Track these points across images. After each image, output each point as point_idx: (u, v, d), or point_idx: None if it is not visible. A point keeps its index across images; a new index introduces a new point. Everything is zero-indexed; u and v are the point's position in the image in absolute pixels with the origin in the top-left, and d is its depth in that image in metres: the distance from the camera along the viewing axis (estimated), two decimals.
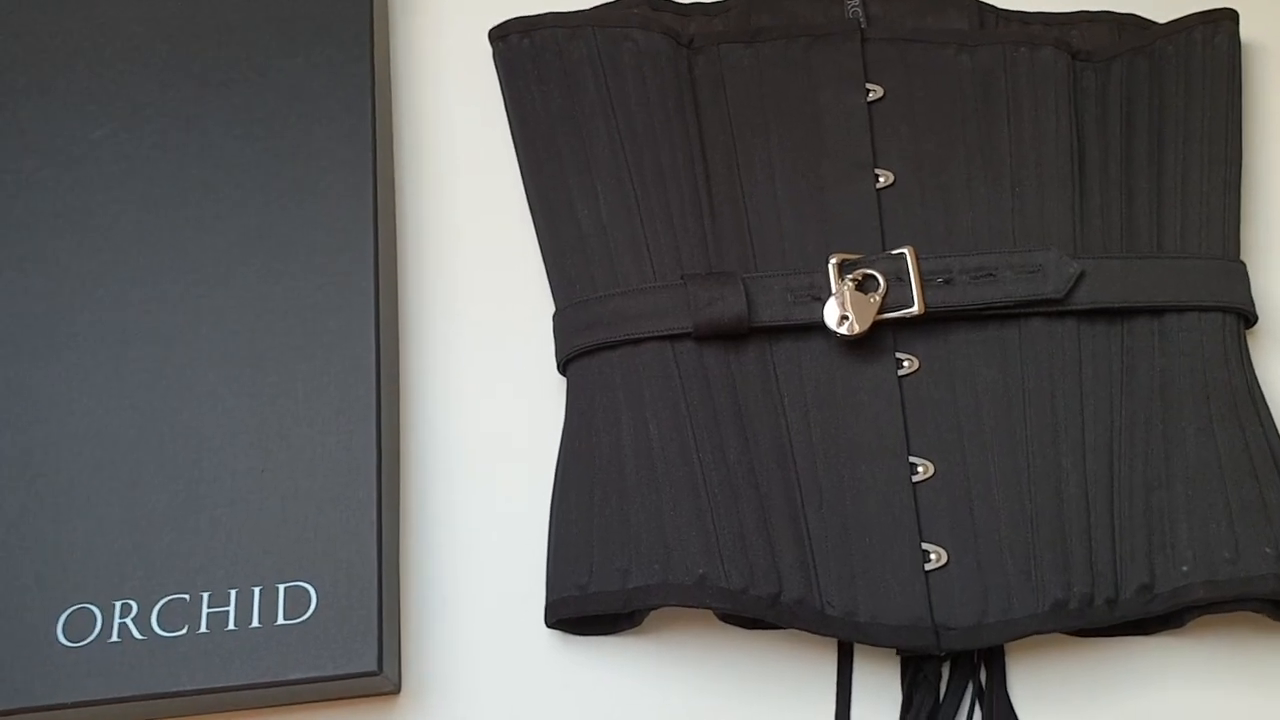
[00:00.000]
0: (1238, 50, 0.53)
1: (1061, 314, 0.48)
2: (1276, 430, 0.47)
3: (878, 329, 0.48)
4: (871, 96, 0.52)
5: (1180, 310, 0.48)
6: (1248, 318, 0.49)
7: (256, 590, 0.43)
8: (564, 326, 0.49)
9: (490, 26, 0.55)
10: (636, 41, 0.52)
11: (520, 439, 0.49)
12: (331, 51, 0.52)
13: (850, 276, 0.48)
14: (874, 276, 0.48)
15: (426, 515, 0.48)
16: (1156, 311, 0.48)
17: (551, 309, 0.51)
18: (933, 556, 0.45)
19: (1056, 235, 0.49)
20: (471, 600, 0.47)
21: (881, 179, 0.51)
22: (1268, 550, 0.43)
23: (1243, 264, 0.49)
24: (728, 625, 0.46)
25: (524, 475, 0.49)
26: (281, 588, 0.43)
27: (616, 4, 0.55)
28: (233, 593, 0.43)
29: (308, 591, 0.43)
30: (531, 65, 0.53)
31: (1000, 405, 0.47)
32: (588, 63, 0.52)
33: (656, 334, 0.47)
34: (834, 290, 0.48)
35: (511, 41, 0.53)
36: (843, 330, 0.47)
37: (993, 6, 0.55)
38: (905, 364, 0.48)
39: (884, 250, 0.49)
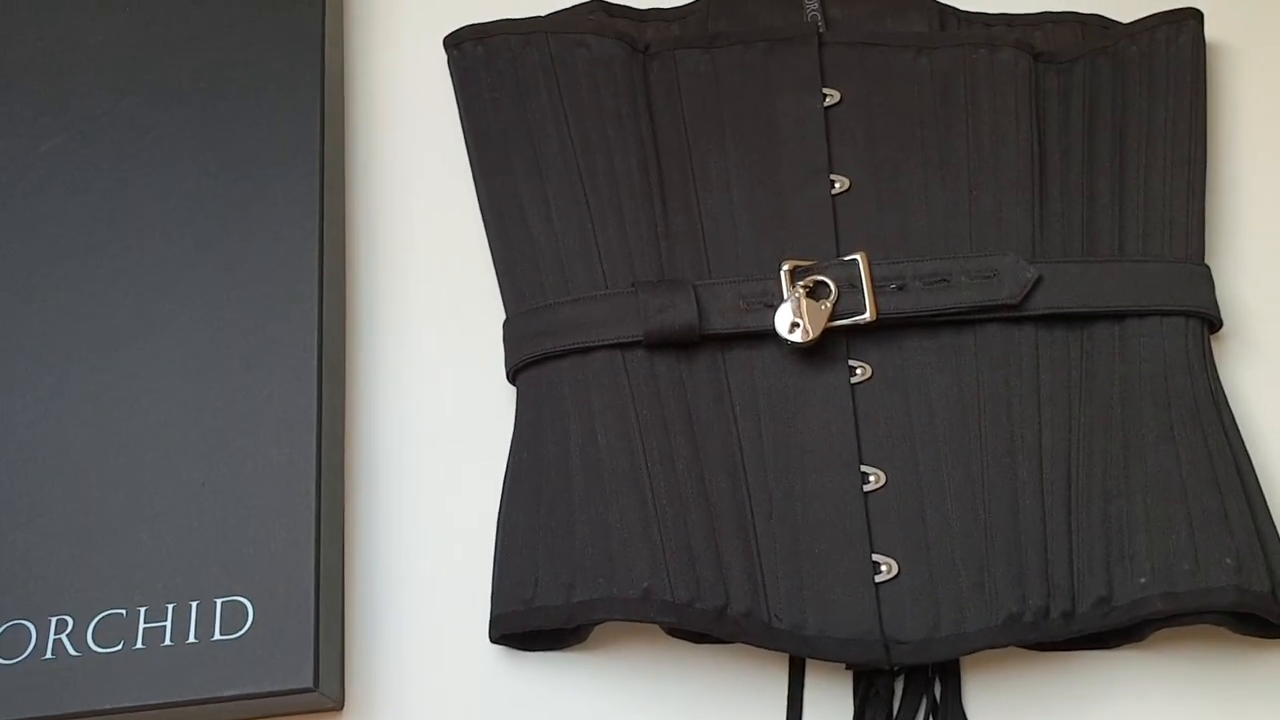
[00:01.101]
0: (1202, 50, 0.52)
1: (1019, 319, 0.47)
2: (1240, 437, 0.46)
3: (830, 336, 0.47)
4: (828, 101, 0.52)
5: (1141, 315, 0.47)
6: (1212, 322, 0.48)
7: (194, 605, 0.42)
8: (513, 335, 0.48)
9: (445, 34, 0.54)
10: (590, 48, 0.52)
11: (469, 449, 0.48)
12: (284, 62, 0.52)
13: (802, 283, 0.47)
14: (825, 283, 0.47)
15: (372, 528, 0.47)
16: (1117, 316, 0.47)
17: (503, 317, 0.50)
18: (883, 568, 0.44)
19: (1015, 239, 0.48)
20: (417, 615, 0.46)
21: (837, 184, 0.50)
22: (1228, 561, 0.42)
23: (1206, 267, 0.48)
24: (675, 639, 0.45)
25: (472, 487, 0.48)
26: (219, 602, 0.42)
27: (572, 11, 0.55)
28: (170, 607, 0.42)
29: (245, 606, 0.42)
30: (485, 72, 0.52)
31: (954, 413, 0.46)
32: (541, 69, 0.51)
33: (606, 342, 0.46)
34: (786, 297, 0.47)
35: (466, 49, 0.53)
36: (794, 338, 0.46)
37: (954, 8, 0.55)
38: (858, 371, 0.47)
39: (839, 256, 0.48)
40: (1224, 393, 0.47)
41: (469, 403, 0.49)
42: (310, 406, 0.45)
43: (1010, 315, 0.47)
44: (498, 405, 0.49)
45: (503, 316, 0.50)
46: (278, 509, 0.43)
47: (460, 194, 0.53)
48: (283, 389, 0.45)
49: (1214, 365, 0.47)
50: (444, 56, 0.55)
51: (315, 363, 0.46)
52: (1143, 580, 0.42)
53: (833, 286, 0.47)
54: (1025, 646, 0.44)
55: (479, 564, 0.46)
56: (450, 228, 0.53)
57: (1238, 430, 0.46)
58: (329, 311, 0.48)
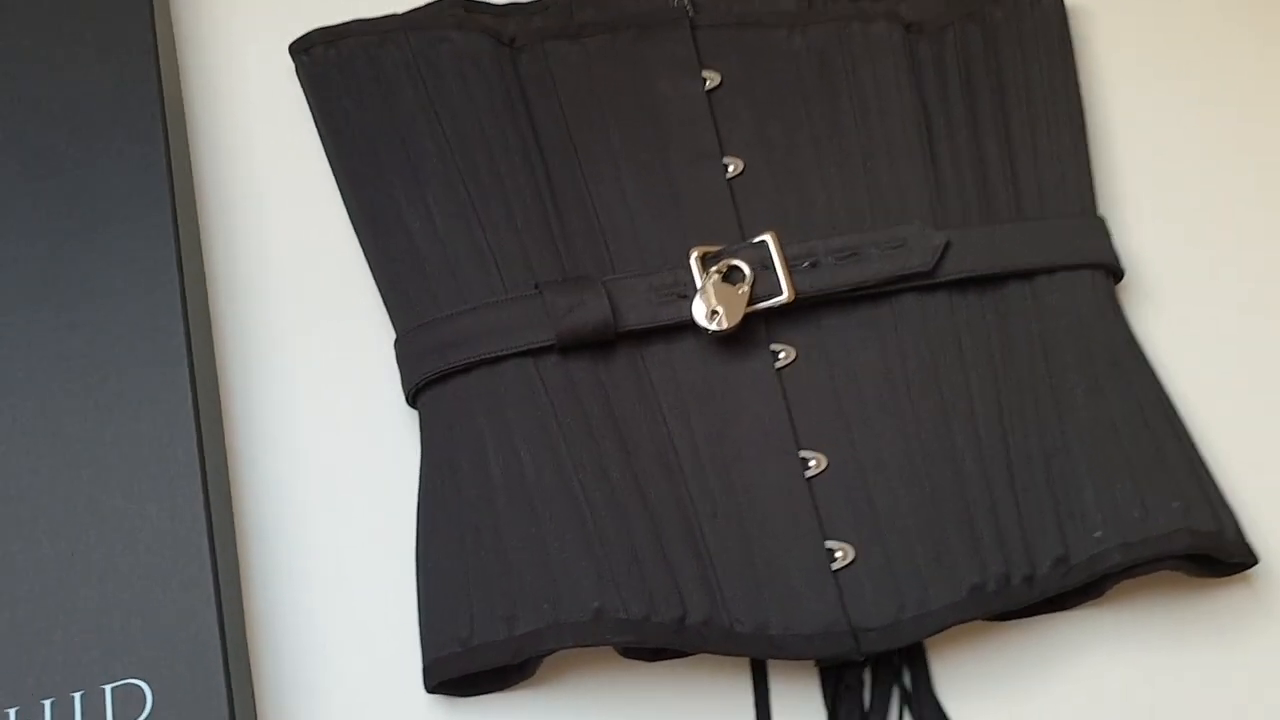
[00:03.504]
0: (1063, 9, 0.52)
1: (932, 287, 0.46)
2: (1160, 382, 0.46)
3: (749, 322, 0.45)
4: (709, 84, 0.50)
5: (1050, 271, 0.47)
6: (1115, 272, 0.48)
7: (77, 696, 0.36)
8: (408, 353, 0.44)
9: (289, 42, 0.50)
10: (454, 42, 0.48)
11: (372, 486, 0.44)
12: (119, 105, 0.45)
13: (715, 269, 0.45)
14: (739, 267, 0.45)
15: (274, 584, 0.42)
16: (1026, 275, 0.47)
17: (392, 336, 0.46)
18: (838, 554, 0.42)
19: (915, 208, 0.47)
20: (339, 674, 0.41)
21: (731, 167, 0.48)
22: (1175, 505, 0.42)
23: (1103, 219, 0.49)
24: (630, 660, 0.41)
25: (381, 526, 0.43)
26: (108, 689, 0.36)
27: (427, 8, 0.51)
28: (47, 704, 0.36)
29: (140, 689, 0.37)
30: (340, 76, 0.48)
31: (883, 387, 0.45)
32: (403, 68, 0.48)
33: (515, 350, 0.43)
34: (699, 285, 0.44)
35: (316, 54, 0.49)
36: (714, 326, 0.44)
37: None
38: (781, 355, 0.45)
39: (744, 239, 0.46)
40: (1138, 340, 0.47)
41: (366, 434, 0.45)
42: (190, 455, 0.40)
43: (924, 283, 0.46)
44: (399, 433, 0.45)
45: (392, 336, 0.46)
46: (167, 573, 0.38)
47: (326, 210, 0.49)
48: (157, 436, 0.40)
49: (1123, 315, 0.47)
50: (290, 65, 0.50)
51: (190, 403, 0.40)
52: (1097, 535, 0.42)
53: (747, 270, 0.45)
54: (990, 618, 0.43)
55: (401, 610, 0.42)
56: (319, 248, 0.48)
57: (1157, 375, 0.46)
58: (198, 351, 0.43)
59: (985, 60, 0.51)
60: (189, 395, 0.40)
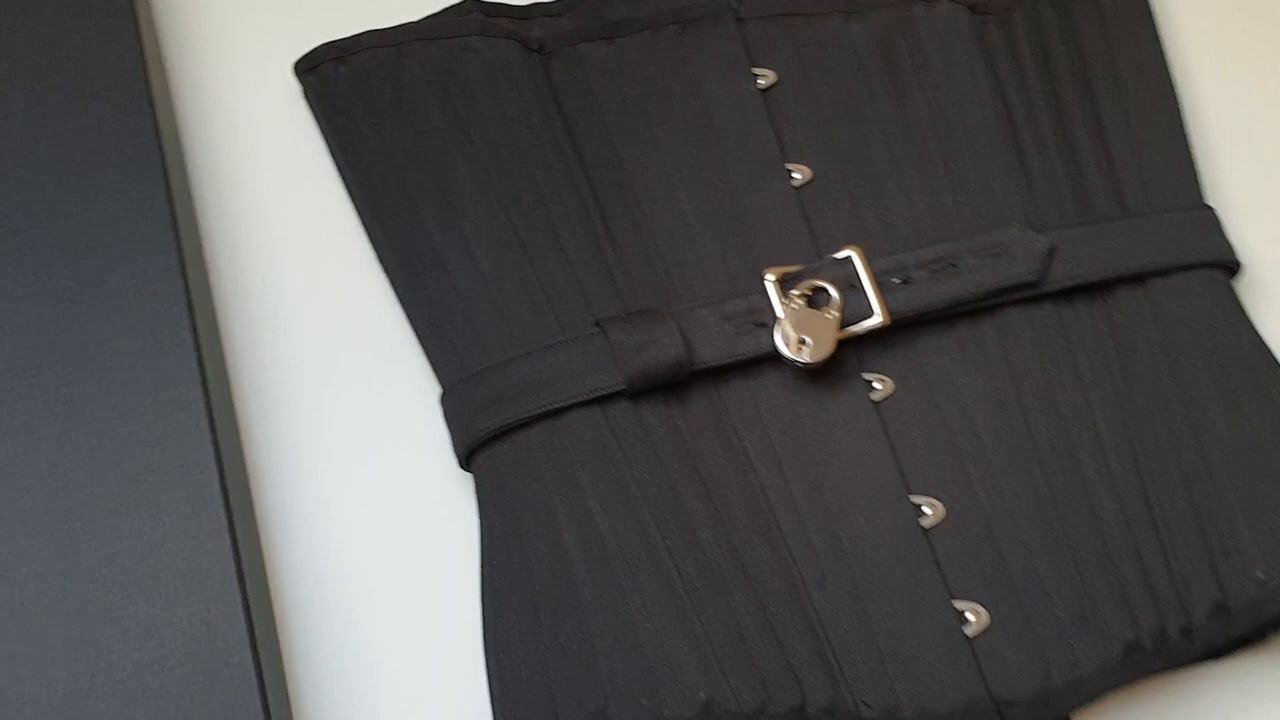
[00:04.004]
0: None
1: (1037, 298, 0.41)
2: None
3: (837, 350, 0.39)
4: (763, 83, 0.45)
5: (1164, 273, 0.42)
6: (1232, 269, 0.43)
7: None
8: (458, 409, 0.39)
9: (293, 60, 0.44)
10: (479, 51, 0.43)
11: (425, 565, 0.39)
12: (117, 157, 0.40)
13: (796, 292, 0.39)
14: (824, 288, 0.40)
15: (325, 696, 0.37)
16: (1139, 279, 0.42)
17: (437, 390, 0.40)
18: (969, 617, 0.37)
19: (1007, 209, 0.42)
20: None
21: (797, 175, 0.43)
22: None
23: (1212, 209, 0.44)
24: None
25: (441, 611, 0.38)
26: None
27: (444, 14, 0.46)
28: None
29: None
30: (355, 96, 0.43)
31: (997, 417, 0.39)
32: (425, 83, 0.43)
33: (580, 398, 0.38)
34: (780, 312, 0.39)
35: (324, 72, 0.43)
36: (803, 358, 0.39)
37: None
38: (877, 387, 0.40)
39: (821, 257, 0.41)
40: (1266, 343, 0.42)
41: (415, 505, 0.39)
42: (223, 546, 0.34)
43: (1029, 294, 0.41)
44: (454, 501, 0.39)
45: (437, 390, 0.40)
46: (205, 693, 0.32)
47: (349, 250, 0.43)
48: (183, 530, 0.34)
49: (1248, 316, 0.42)
50: (296, 87, 0.45)
51: (218, 489, 0.35)
52: (1258, 575, 0.37)
53: (833, 292, 0.40)
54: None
55: (471, 704, 0.37)
56: (345, 295, 0.43)
57: None
58: (220, 424, 0.37)
59: (1063, 40, 0.46)
60: (215, 476, 0.35)
